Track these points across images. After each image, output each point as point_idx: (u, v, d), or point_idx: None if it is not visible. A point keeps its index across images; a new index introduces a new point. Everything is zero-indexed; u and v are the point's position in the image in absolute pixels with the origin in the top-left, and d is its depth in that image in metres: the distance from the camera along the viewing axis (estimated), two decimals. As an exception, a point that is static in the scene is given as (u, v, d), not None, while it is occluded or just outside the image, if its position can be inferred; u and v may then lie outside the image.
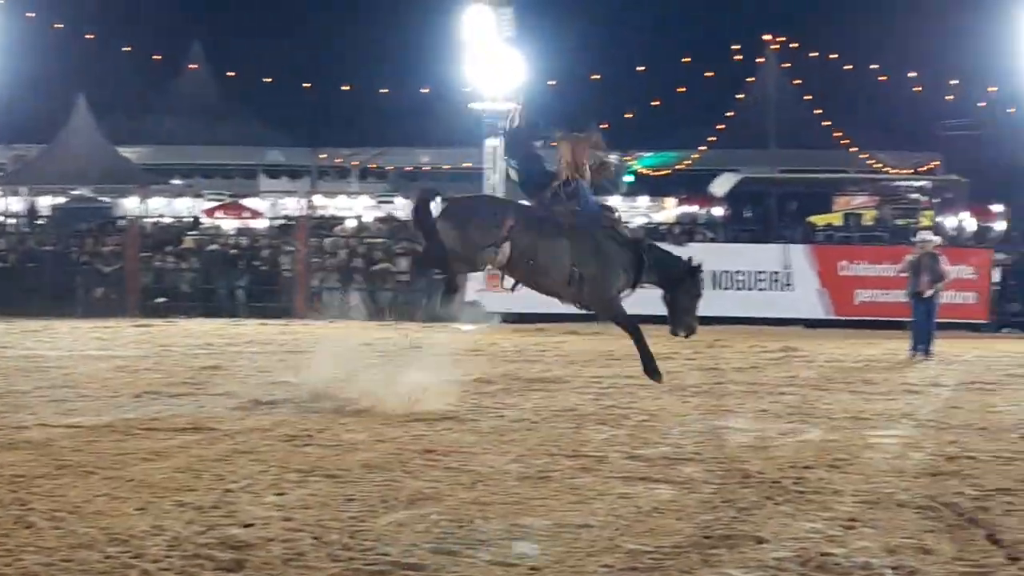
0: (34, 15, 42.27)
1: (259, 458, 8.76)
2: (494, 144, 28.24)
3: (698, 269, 11.92)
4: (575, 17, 43.60)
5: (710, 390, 13.48)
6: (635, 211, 43.31)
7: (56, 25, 46.75)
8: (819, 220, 38.09)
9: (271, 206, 47.95)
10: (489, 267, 12.01)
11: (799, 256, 25.36)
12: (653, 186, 49.18)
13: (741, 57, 50.68)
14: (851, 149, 48.72)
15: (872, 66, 47.23)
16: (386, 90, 50.96)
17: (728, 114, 50.98)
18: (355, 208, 45.46)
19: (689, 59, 48.98)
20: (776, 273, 25.17)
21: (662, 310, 11.91)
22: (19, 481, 7.80)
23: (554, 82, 40.77)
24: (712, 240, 29.23)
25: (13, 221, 33.53)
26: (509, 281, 11.92)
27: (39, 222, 33.90)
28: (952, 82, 46.52)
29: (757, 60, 51.37)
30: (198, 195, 49.23)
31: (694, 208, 44.69)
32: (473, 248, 11.48)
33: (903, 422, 11.16)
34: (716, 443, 9.83)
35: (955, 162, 45.25)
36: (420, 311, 21.19)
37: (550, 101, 39.83)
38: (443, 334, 17.12)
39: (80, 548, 6.26)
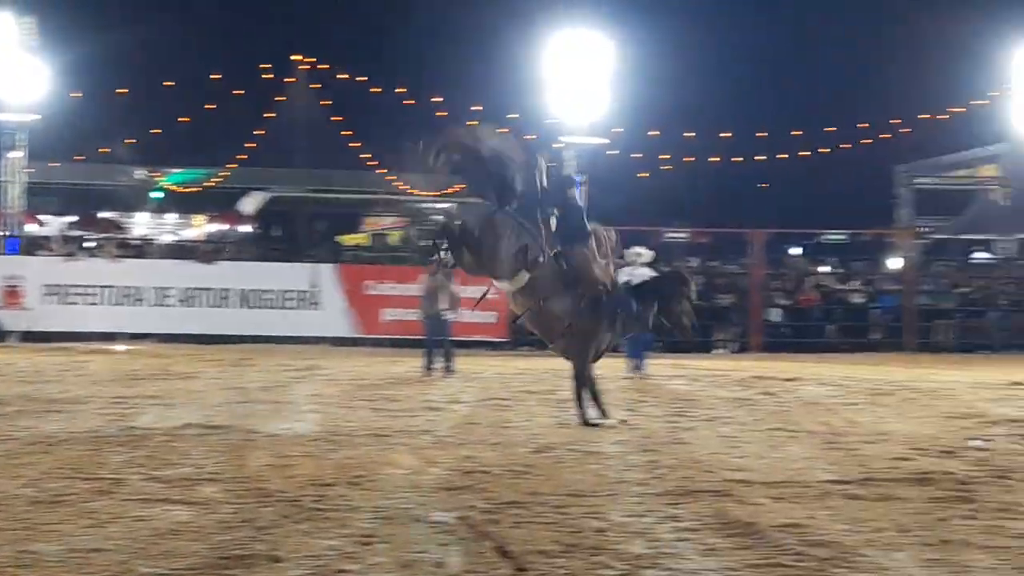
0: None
1: None
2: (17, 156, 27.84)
3: (680, 279, 12.89)
4: (102, 29, 41.91)
5: (233, 410, 13.30)
6: (163, 228, 42.26)
7: None
8: (348, 240, 38.72)
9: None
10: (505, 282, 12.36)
11: (327, 276, 25.63)
12: (182, 203, 48.11)
13: (272, 76, 50.59)
14: (379, 171, 49.68)
15: (399, 90, 48.39)
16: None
17: (258, 132, 50.69)
18: None
19: (219, 76, 48.42)
20: (304, 292, 25.32)
21: None
22: None
23: (79, 94, 39.10)
24: (240, 259, 28.95)
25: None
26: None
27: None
28: (475, 108, 48.62)
29: (287, 80, 51.43)
30: None
31: (224, 226, 44.19)
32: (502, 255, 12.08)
33: (422, 438, 11.37)
34: (237, 463, 9.67)
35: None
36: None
37: (75, 115, 38.42)
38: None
39: None
